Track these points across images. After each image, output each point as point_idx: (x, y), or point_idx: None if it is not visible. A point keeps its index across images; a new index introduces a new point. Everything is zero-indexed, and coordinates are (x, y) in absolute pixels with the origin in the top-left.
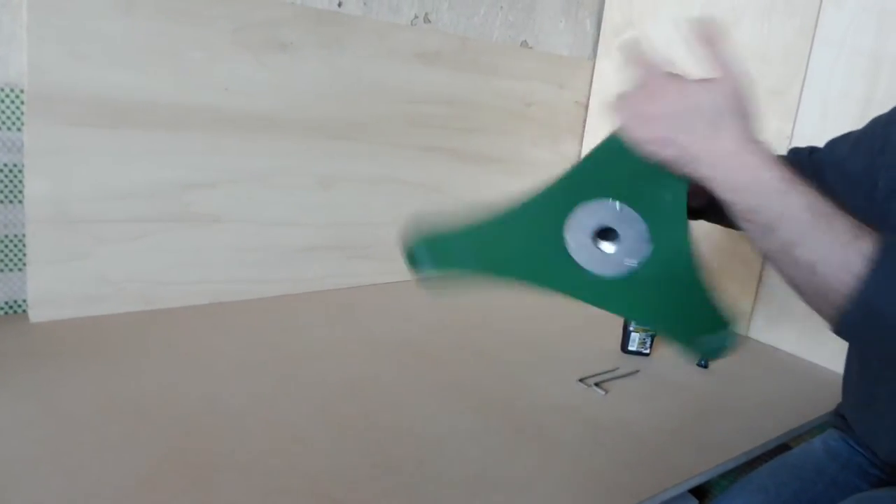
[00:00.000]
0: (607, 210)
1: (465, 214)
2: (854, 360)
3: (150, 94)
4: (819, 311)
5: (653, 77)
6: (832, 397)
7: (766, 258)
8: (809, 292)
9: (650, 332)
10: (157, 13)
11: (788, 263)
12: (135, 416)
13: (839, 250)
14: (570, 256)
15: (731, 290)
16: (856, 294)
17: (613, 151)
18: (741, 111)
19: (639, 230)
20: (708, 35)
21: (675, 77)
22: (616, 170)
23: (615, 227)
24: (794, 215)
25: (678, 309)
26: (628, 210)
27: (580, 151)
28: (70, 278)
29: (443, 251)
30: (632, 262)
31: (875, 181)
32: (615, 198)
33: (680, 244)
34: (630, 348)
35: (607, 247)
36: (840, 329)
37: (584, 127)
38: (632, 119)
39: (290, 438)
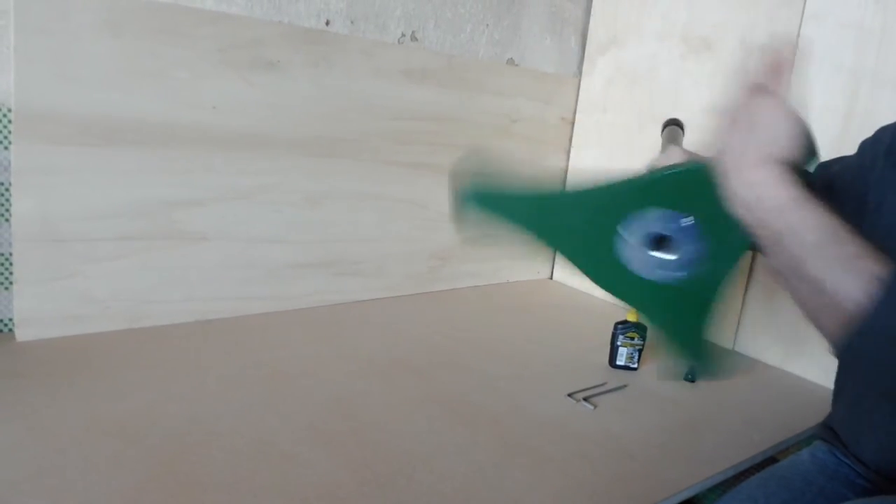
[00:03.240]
0: (677, 222)
1: (523, 177)
2: (846, 373)
3: (137, 113)
4: (823, 329)
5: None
6: (819, 410)
7: (778, 275)
8: (816, 310)
9: (638, 347)
10: (143, 33)
11: (797, 280)
12: (121, 436)
13: (849, 270)
14: (616, 251)
15: None
16: (866, 314)
17: (702, 178)
18: (770, 132)
19: (698, 249)
20: (776, 62)
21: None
22: (700, 191)
23: (676, 239)
24: (802, 232)
25: (689, 326)
26: (697, 228)
27: (566, 167)
28: (57, 297)
29: (495, 202)
30: (682, 275)
31: (865, 196)
32: (690, 214)
33: (725, 275)
34: (618, 363)
35: (661, 253)
36: (846, 348)
37: (570, 143)
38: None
39: (277, 456)
